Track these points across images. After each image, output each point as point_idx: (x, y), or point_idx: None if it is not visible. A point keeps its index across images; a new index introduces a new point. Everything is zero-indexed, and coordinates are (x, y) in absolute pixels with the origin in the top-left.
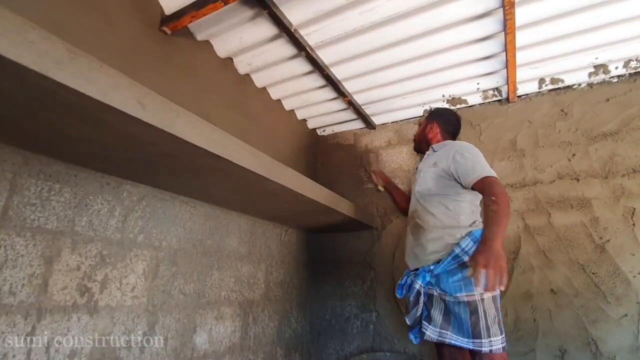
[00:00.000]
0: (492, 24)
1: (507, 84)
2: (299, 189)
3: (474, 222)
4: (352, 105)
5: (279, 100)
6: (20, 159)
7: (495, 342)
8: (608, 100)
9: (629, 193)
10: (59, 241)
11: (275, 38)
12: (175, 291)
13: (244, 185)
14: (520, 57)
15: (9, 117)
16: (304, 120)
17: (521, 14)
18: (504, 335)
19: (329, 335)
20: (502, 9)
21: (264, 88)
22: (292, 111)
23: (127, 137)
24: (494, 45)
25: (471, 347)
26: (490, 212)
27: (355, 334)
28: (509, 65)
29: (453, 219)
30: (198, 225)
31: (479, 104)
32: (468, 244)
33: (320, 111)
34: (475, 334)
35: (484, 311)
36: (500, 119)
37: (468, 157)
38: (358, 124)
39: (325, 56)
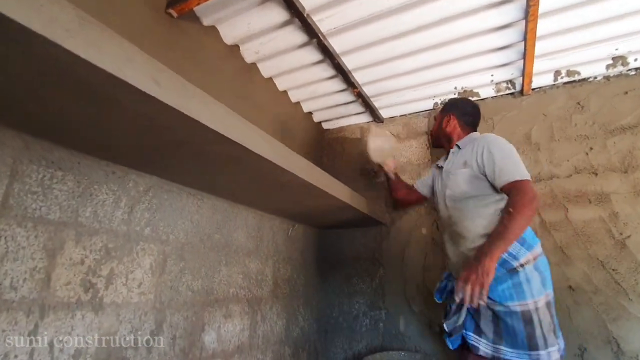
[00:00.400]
0: (514, 11)
1: (523, 75)
2: (314, 180)
3: None
4: (361, 97)
5: (285, 92)
6: (20, 143)
7: (553, 353)
8: (627, 93)
9: None
10: (62, 233)
11: (285, 24)
12: (183, 287)
13: (257, 175)
14: (539, 47)
15: (11, 95)
16: (310, 114)
17: (545, 0)
18: (560, 341)
19: (337, 333)
20: None
21: (270, 78)
22: (297, 103)
23: (138, 119)
24: (513, 34)
25: None
26: (500, 224)
27: (364, 332)
28: (527, 55)
29: (495, 224)
30: (205, 219)
31: (491, 97)
32: (515, 248)
33: (327, 104)
34: (532, 346)
35: (539, 320)
36: (513, 112)
37: (497, 154)
38: (365, 118)
39: (337, 44)
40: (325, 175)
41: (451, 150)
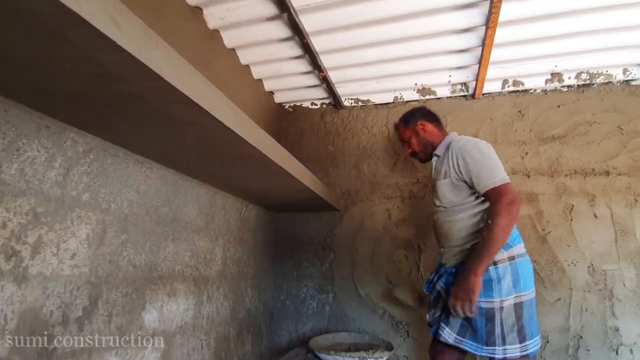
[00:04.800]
0: (476, 16)
1: (476, 80)
2: (276, 158)
3: None
4: (326, 82)
5: (247, 66)
6: None
7: (511, 350)
8: (559, 106)
9: (569, 191)
10: None
11: None
12: (124, 262)
13: (217, 145)
14: (494, 54)
15: None
16: (271, 93)
17: (505, 10)
18: (528, 343)
19: (283, 316)
20: (489, 1)
21: (233, 50)
22: (259, 81)
23: (86, 64)
24: (473, 39)
25: (484, 354)
26: (482, 238)
27: (310, 315)
28: (483, 61)
29: (476, 226)
30: (153, 190)
31: (447, 97)
32: None
33: (290, 84)
34: (490, 342)
35: (501, 319)
36: (465, 113)
37: (469, 162)
38: (327, 103)
39: (308, 23)
40: (287, 155)
41: (433, 159)
